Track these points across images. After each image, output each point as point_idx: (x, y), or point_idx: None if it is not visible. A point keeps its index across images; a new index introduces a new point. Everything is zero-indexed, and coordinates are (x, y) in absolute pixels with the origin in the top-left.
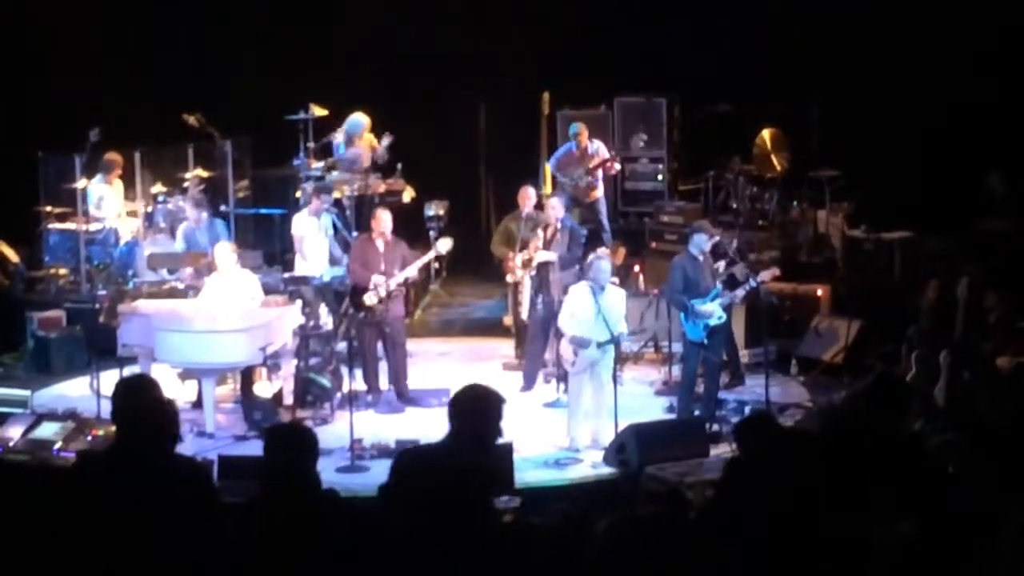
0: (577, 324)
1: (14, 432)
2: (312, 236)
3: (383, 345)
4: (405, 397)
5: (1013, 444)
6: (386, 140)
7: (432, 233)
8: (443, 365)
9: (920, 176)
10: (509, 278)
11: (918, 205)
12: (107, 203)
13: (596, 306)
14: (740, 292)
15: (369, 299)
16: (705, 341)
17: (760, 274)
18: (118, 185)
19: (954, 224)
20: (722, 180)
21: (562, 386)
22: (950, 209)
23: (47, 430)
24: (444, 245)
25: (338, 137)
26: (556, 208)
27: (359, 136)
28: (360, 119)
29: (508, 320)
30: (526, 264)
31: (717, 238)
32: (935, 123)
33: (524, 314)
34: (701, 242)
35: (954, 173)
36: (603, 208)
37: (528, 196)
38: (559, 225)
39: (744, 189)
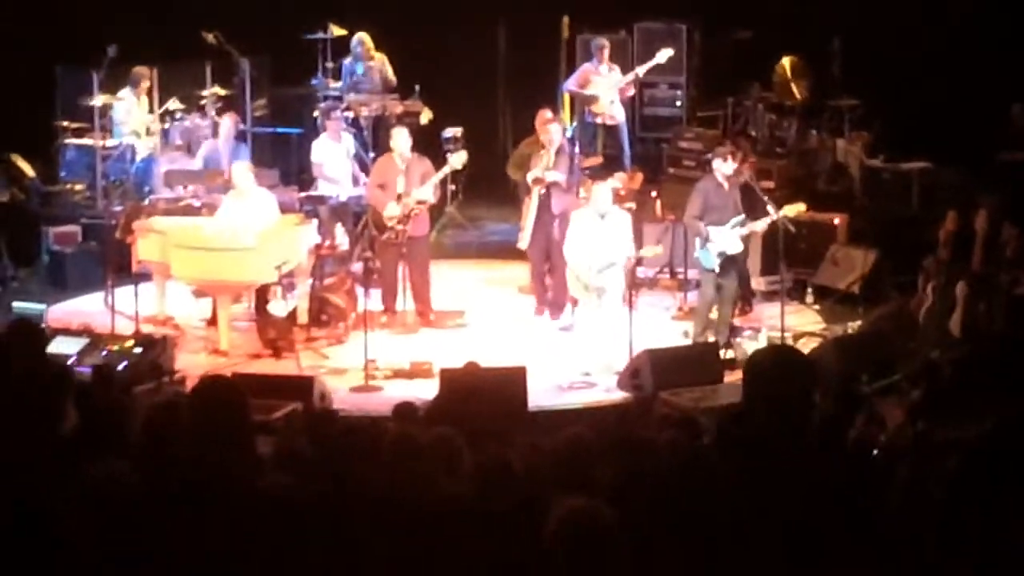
0: (581, 250)
1: None
2: (333, 160)
3: (404, 266)
4: (427, 317)
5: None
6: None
7: (449, 156)
8: (459, 287)
9: (940, 107)
10: (525, 205)
11: (937, 136)
12: (134, 116)
13: (600, 231)
14: (761, 224)
15: (390, 220)
16: (717, 269)
17: (784, 208)
18: (144, 101)
19: (973, 155)
20: (741, 107)
21: (576, 310)
22: (969, 140)
23: (62, 345)
24: (458, 159)
25: (347, 60)
26: (554, 133)
27: (365, 56)
28: (358, 37)
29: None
30: (537, 182)
31: (735, 165)
32: (957, 53)
33: (523, 243)
34: (721, 167)
35: (974, 104)
36: (624, 133)
37: (545, 120)
38: (557, 149)
39: (763, 117)
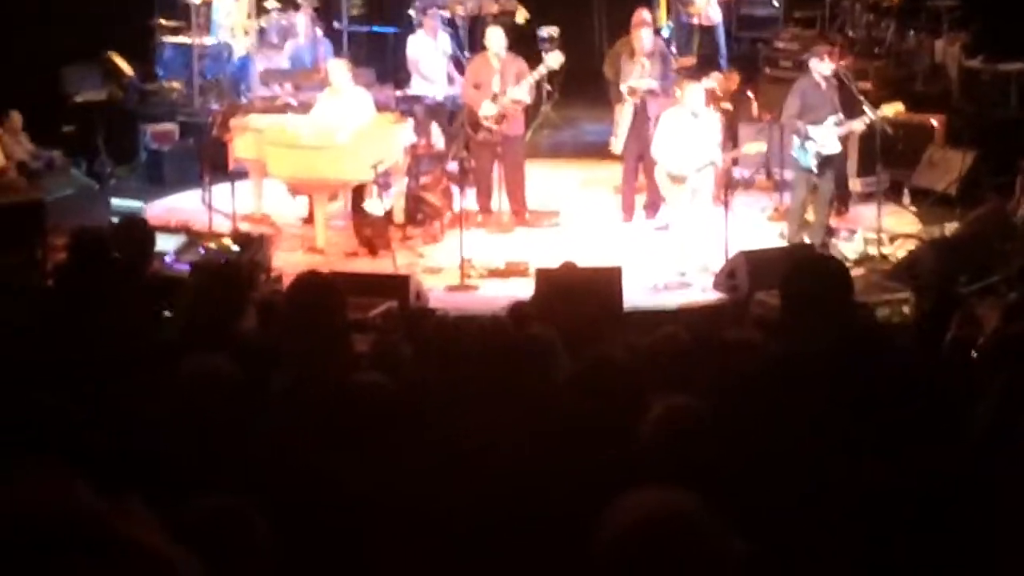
0: (672, 151)
1: None
2: (429, 57)
3: (499, 166)
4: (522, 217)
5: None
6: None
7: (544, 55)
8: (554, 187)
9: None
10: (618, 110)
11: None
12: (232, 15)
13: (692, 131)
14: (859, 123)
15: (485, 120)
16: (814, 169)
17: (883, 107)
18: (243, 2)
19: None
20: (838, 7)
21: (669, 210)
22: None
23: (160, 242)
24: (555, 59)
25: None
26: (644, 39)
27: None
28: None
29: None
30: (632, 92)
31: (832, 65)
32: None
33: (616, 147)
34: (819, 67)
35: None
36: (720, 34)
37: (642, 20)
38: (649, 53)
39: (861, 17)
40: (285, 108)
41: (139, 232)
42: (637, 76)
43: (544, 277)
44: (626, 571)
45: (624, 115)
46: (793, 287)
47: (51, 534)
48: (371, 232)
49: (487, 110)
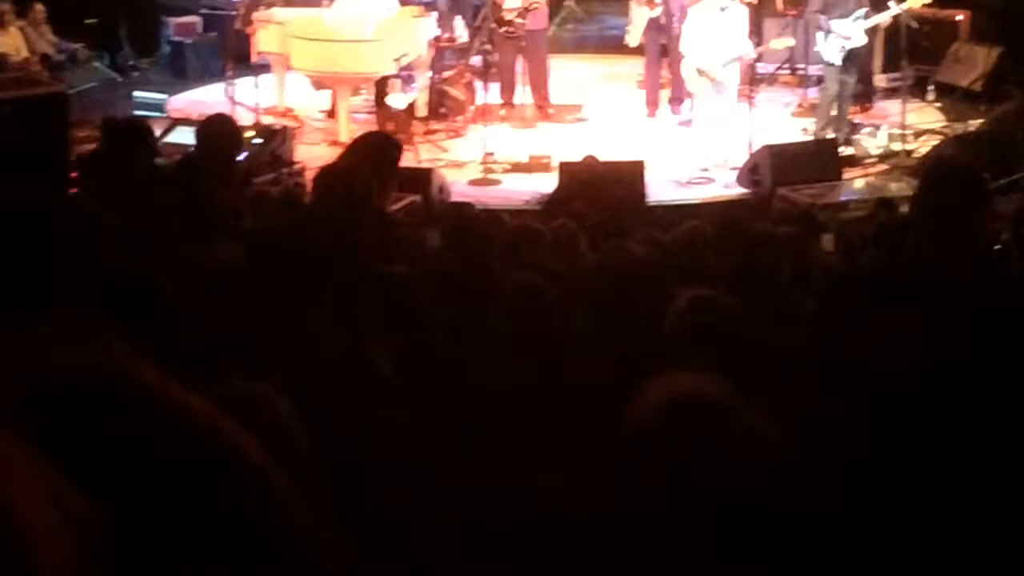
0: (700, 46)
1: None
2: None
3: (522, 59)
4: (545, 111)
5: None
6: None
7: None
8: (577, 82)
9: None
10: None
11: None
12: None
13: (719, 25)
14: (884, 15)
15: (509, 13)
16: (839, 63)
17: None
18: None
19: None
20: None
21: (694, 105)
22: None
23: (182, 135)
24: None
25: None
26: None
27: None
28: None
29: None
30: (651, 4)
31: None
32: None
33: (632, 40)
34: None
35: None
36: None
37: None
38: None
39: None
40: (308, 1)
41: (226, 127)
42: None
43: (567, 171)
44: (657, 451)
45: (639, 11)
46: (932, 195)
47: (99, 393)
48: (394, 126)
49: (511, 3)
